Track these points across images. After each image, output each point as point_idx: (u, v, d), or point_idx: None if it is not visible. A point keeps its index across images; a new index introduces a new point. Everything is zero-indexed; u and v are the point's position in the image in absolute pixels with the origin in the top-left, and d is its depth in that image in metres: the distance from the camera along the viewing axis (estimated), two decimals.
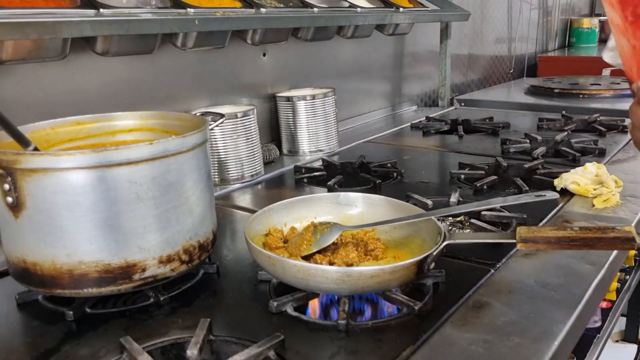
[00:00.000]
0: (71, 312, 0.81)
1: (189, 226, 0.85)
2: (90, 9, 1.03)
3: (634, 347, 2.14)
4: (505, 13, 3.09)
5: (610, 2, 0.73)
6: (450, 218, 1.12)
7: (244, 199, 1.33)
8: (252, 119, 1.41)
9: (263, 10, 1.33)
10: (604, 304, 1.75)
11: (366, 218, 1.01)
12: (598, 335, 1.65)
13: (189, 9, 1.17)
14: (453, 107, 2.37)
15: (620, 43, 0.74)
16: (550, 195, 0.96)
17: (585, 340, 1.58)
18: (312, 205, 1.03)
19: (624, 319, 2.16)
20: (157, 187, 0.80)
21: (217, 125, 1.06)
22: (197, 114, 1.10)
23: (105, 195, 0.76)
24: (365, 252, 0.92)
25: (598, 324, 1.70)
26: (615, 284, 1.38)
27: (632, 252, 1.89)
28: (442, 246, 0.82)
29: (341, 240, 0.95)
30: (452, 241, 0.83)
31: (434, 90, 2.48)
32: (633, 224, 1.07)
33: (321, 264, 0.87)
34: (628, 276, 1.84)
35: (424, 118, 2.08)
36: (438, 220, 0.90)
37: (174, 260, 0.84)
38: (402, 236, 0.97)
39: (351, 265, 0.88)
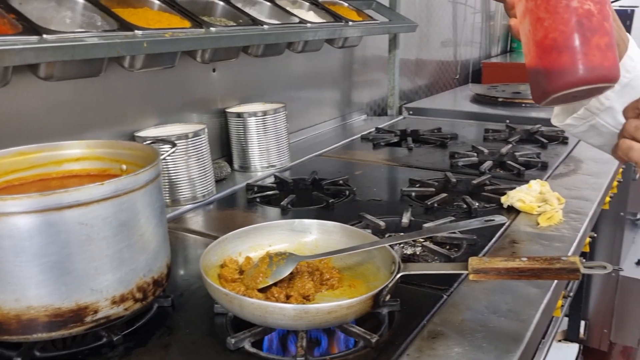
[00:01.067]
0: (19, 358, 0.78)
1: (142, 264, 0.84)
2: (33, 35, 0.99)
3: (576, 346, 2.24)
4: (450, 17, 3.15)
5: None
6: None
7: (197, 222, 1.31)
8: (203, 139, 1.39)
9: (213, 29, 1.32)
10: None
11: (321, 245, 1.02)
12: (543, 339, 1.71)
13: (136, 31, 1.15)
14: (402, 117, 2.41)
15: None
16: (499, 219, 0.99)
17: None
18: (267, 233, 1.03)
19: (567, 319, 2.26)
20: (109, 227, 0.78)
21: (168, 155, 1.04)
22: (148, 143, 1.08)
23: (55, 239, 0.74)
24: (320, 282, 0.93)
25: (543, 329, 1.76)
26: (560, 302, 1.44)
27: (587, 248, 1.97)
28: (396, 278, 0.84)
29: (297, 269, 0.95)
30: (406, 272, 0.85)
31: (383, 98, 2.51)
32: (575, 242, 1.12)
33: (278, 297, 0.87)
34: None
35: (374, 129, 2.11)
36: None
37: (127, 300, 0.82)
38: (357, 263, 0.98)
39: (307, 296, 0.89)
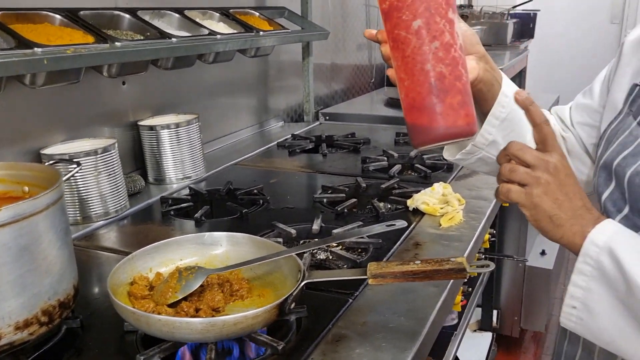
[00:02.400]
0: None
1: (46, 287, 0.83)
2: None
3: (489, 334, 2.37)
4: (364, 20, 3.23)
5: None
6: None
7: (109, 238, 1.30)
8: (114, 154, 1.39)
9: (118, 44, 1.31)
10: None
11: (231, 257, 1.04)
12: (455, 332, 1.81)
13: (36, 49, 1.13)
14: (318, 122, 2.46)
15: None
16: (400, 224, 1.05)
17: (443, 338, 1.72)
18: (177, 247, 1.04)
19: (480, 309, 2.39)
20: (9, 253, 0.77)
21: (72, 175, 1.03)
22: (50, 164, 1.07)
23: None
24: (230, 293, 0.95)
25: (455, 322, 1.86)
26: (459, 298, 1.53)
27: (486, 245, 2.09)
28: (300, 286, 0.87)
29: (207, 282, 0.97)
30: (309, 280, 0.89)
31: (299, 104, 2.55)
32: (472, 242, 1.20)
33: (187, 311, 0.89)
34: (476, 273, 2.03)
35: (290, 136, 2.15)
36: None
37: (32, 324, 0.82)
38: (266, 272, 1.01)
39: (217, 308, 0.91)
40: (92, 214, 1.36)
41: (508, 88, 0.86)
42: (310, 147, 2.01)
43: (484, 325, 2.40)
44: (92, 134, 1.50)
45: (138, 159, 1.68)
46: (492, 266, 0.85)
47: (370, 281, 0.85)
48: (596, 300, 0.72)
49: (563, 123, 1.03)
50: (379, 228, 1.02)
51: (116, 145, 1.40)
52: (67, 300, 0.88)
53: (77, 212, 1.34)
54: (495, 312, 2.41)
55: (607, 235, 0.71)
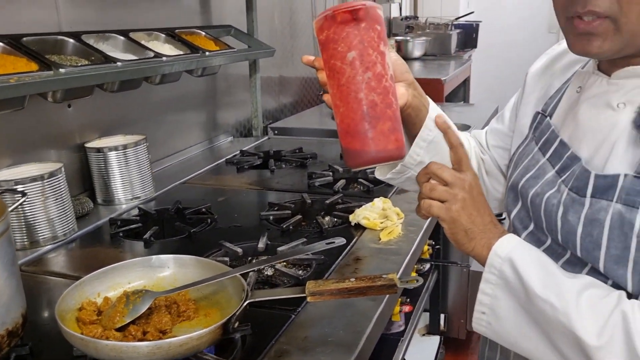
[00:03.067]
0: None
1: None
2: None
3: (437, 337, 2.46)
4: (311, 34, 3.30)
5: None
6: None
7: (58, 263, 1.32)
8: (61, 178, 1.40)
9: (62, 70, 1.33)
10: (406, 309, 1.99)
11: (179, 278, 1.08)
12: (402, 338, 1.89)
13: None
14: (267, 137, 2.51)
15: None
16: (339, 242, 1.12)
17: (390, 345, 1.80)
18: (124, 271, 1.07)
19: (428, 314, 2.48)
20: None
21: (18, 207, 1.06)
22: None
23: None
24: (178, 314, 0.99)
25: (402, 328, 1.94)
26: (397, 308, 1.61)
27: (425, 256, 2.18)
28: (243, 306, 0.92)
29: (155, 304, 1.01)
30: (252, 300, 0.94)
31: (248, 119, 2.59)
32: (409, 255, 1.28)
33: (135, 334, 0.93)
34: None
35: (239, 152, 2.19)
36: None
37: None
38: (212, 292, 1.05)
39: (165, 330, 0.95)
40: (40, 239, 1.37)
41: (434, 112, 0.94)
42: (259, 162, 2.06)
43: (432, 329, 2.49)
44: (38, 158, 1.51)
45: (86, 180, 1.69)
46: (421, 281, 0.92)
47: (309, 299, 0.91)
48: (501, 306, 0.80)
49: (481, 146, 1.12)
50: (319, 246, 1.08)
51: (63, 169, 1.42)
52: (15, 329, 0.90)
53: (25, 237, 1.35)
54: (442, 316, 2.50)
55: (508, 248, 0.79)
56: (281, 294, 0.97)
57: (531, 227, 0.88)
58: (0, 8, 1.41)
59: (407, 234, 1.39)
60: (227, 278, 1.02)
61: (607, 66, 0.82)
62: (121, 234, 1.44)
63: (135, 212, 1.59)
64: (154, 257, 1.10)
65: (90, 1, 1.68)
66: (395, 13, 4.88)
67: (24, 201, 1.29)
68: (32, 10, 1.49)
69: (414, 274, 1.81)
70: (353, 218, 1.44)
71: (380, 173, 1.04)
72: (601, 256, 0.76)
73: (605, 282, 0.77)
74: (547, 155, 0.88)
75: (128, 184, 1.65)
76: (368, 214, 1.43)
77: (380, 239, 1.35)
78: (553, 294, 0.74)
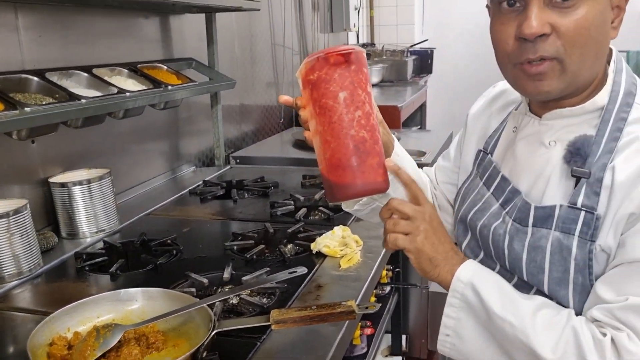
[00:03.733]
0: None
1: None
2: None
3: (399, 358, 2.53)
4: (271, 60, 3.37)
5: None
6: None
7: (24, 298, 1.33)
8: (26, 215, 1.42)
9: (27, 109, 1.36)
10: (368, 331, 2.05)
11: (147, 311, 1.12)
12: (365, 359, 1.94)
13: None
14: (229, 166, 2.56)
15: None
16: (300, 271, 1.18)
17: None
18: (94, 306, 1.11)
19: (390, 335, 2.54)
20: None
21: None
22: None
23: None
24: (147, 346, 1.03)
25: (365, 350, 2.00)
26: (358, 332, 1.67)
27: (385, 280, 2.25)
28: (210, 336, 0.97)
29: (124, 337, 1.04)
30: (219, 329, 0.99)
31: (210, 148, 2.64)
32: (367, 280, 1.34)
33: None
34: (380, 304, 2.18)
35: (202, 182, 2.23)
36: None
37: None
38: (181, 323, 1.09)
39: None
40: (5, 275, 1.39)
41: (399, 149, 1.05)
42: (222, 193, 2.10)
43: (394, 350, 2.55)
44: (2, 194, 1.53)
45: (50, 214, 1.70)
46: (378, 306, 0.99)
47: (273, 327, 0.97)
48: (464, 327, 0.88)
49: (431, 182, 1.21)
50: (282, 275, 1.14)
51: (28, 205, 1.44)
52: None
53: None
54: (404, 336, 2.57)
55: (470, 273, 0.88)
56: (247, 322, 1.02)
57: (481, 255, 0.97)
58: None
59: (366, 260, 1.45)
60: (194, 309, 1.07)
61: (538, 108, 0.92)
62: (87, 268, 1.47)
63: (101, 245, 1.62)
64: (122, 290, 1.14)
65: (53, 39, 1.72)
66: (352, 40, 5.01)
67: None
68: None
69: (373, 299, 1.87)
70: (314, 246, 1.50)
71: (347, 205, 1.12)
72: (545, 279, 0.86)
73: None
74: (491, 189, 0.98)
75: (93, 218, 1.68)
76: (328, 242, 1.49)
77: (340, 266, 1.42)
78: (511, 314, 0.83)
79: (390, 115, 3.39)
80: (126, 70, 1.89)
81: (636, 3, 4.81)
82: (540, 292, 0.88)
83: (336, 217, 1.77)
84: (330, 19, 4.33)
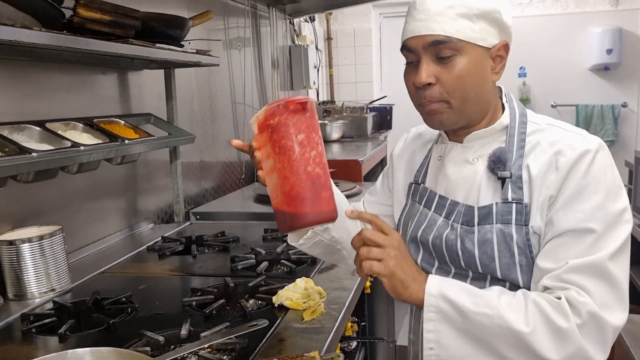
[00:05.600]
0: None
1: None
2: None
3: None
4: (231, 118, 3.37)
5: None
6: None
7: None
8: None
9: None
10: None
11: None
12: None
13: None
14: (189, 222, 2.50)
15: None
16: (262, 323, 1.13)
17: None
18: None
19: None
20: None
21: None
22: None
23: None
24: None
25: None
26: None
27: (351, 333, 2.19)
28: None
29: None
30: None
31: (169, 205, 2.58)
32: (332, 332, 1.30)
33: None
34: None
35: (160, 238, 2.17)
36: None
37: None
38: None
39: None
40: None
41: (336, 190, 1.14)
42: (181, 248, 2.04)
43: None
44: None
45: None
46: (342, 357, 0.94)
47: None
48: (445, 336, 0.98)
49: None
50: (243, 329, 1.10)
51: None
52: None
53: None
54: None
55: (437, 286, 1.00)
56: None
57: (436, 264, 1.14)
58: None
59: (330, 311, 1.41)
60: None
61: (454, 136, 1.15)
62: (34, 330, 1.38)
63: (50, 305, 1.53)
64: (69, 351, 1.07)
65: (4, 92, 1.68)
66: (313, 97, 5.09)
67: None
68: None
69: (338, 351, 1.81)
70: (276, 299, 1.45)
71: (292, 240, 1.20)
72: (497, 266, 1.03)
73: (504, 287, 1.03)
74: (432, 208, 1.16)
75: (43, 277, 1.60)
76: (291, 294, 1.44)
77: (303, 319, 1.37)
78: (483, 306, 0.96)
79: (352, 169, 3.41)
80: (81, 125, 1.85)
81: (583, 61, 5.09)
82: (495, 280, 1.05)
83: (298, 269, 1.73)
84: (290, 76, 4.40)
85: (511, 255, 1.02)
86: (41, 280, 1.60)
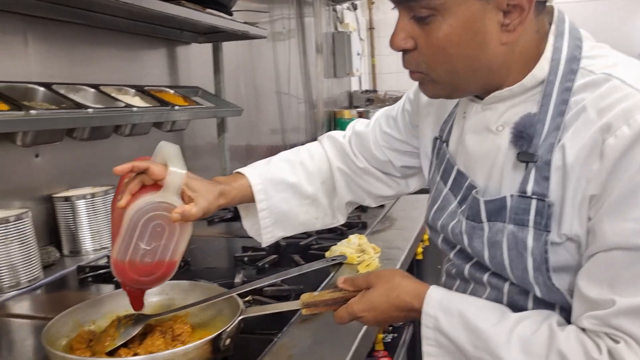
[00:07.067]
0: None
1: None
2: None
3: None
4: (276, 106, 3.39)
5: None
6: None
7: (22, 307, 1.25)
8: (27, 222, 1.36)
9: (33, 112, 1.32)
10: None
11: (177, 304, 1.03)
12: None
13: None
14: None
15: None
16: (340, 258, 1.10)
17: None
18: (120, 300, 1.01)
19: None
20: None
21: None
22: None
23: None
24: (172, 339, 0.94)
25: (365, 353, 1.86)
26: (380, 336, 1.58)
27: None
28: (236, 321, 0.88)
29: (150, 328, 0.95)
30: (245, 315, 0.91)
31: (217, 175, 2.57)
32: None
33: (125, 357, 0.87)
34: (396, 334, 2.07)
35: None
36: None
37: None
38: (210, 318, 1.01)
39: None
40: (2, 285, 1.31)
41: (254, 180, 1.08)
42: (229, 216, 2.04)
43: None
44: (1, 207, 1.47)
45: (52, 233, 1.63)
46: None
47: (303, 311, 0.88)
48: None
49: (347, 152, 1.14)
50: (321, 263, 1.07)
51: (30, 214, 1.38)
52: None
53: None
54: None
55: (434, 317, 0.80)
56: (275, 308, 0.95)
57: (457, 247, 0.89)
58: None
59: (385, 266, 1.38)
60: (224, 302, 0.98)
61: (480, 93, 0.83)
62: (90, 279, 1.39)
63: (104, 261, 1.54)
64: None
65: (59, 56, 1.70)
66: (355, 86, 5.06)
67: None
68: (1, 61, 1.50)
69: (381, 336, 1.76)
70: (329, 254, 1.43)
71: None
72: (509, 275, 0.78)
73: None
74: (448, 185, 0.89)
75: (97, 234, 1.61)
76: (344, 249, 1.42)
77: (358, 272, 1.34)
78: (484, 353, 0.74)
79: None
80: (133, 90, 1.87)
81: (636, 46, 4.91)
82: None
83: (349, 232, 1.70)
84: (333, 63, 4.39)
85: (524, 268, 0.76)
86: (95, 237, 1.61)
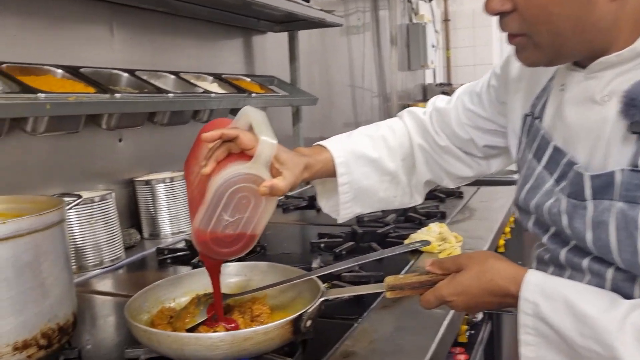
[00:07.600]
0: None
1: (47, 308, 0.81)
2: None
3: None
4: (350, 100, 3.36)
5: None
6: None
7: (105, 284, 1.28)
8: (111, 203, 1.39)
9: (118, 95, 1.35)
10: (462, 357, 1.86)
11: (255, 285, 1.01)
12: None
13: (39, 94, 1.16)
14: (309, 186, 2.49)
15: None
16: (422, 244, 1.05)
17: None
18: (200, 278, 1.01)
19: None
20: (11, 268, 0.76)
21: (75, 205, 1.04)
22: (53, 196, 1.07)
23: None
24: (251, 319, 0.92)
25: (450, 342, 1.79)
26: (464, 327, 1.50)
27: None
28: (317, 303, 0.85)
29: (228, 308, 0.94)
30: (327, 297, 0.87)
31: None
32: None
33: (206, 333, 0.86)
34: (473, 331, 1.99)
35: (283, 196, 2.16)
36: None
37: (30, 346, 0.79)
38: (289, 299, 0.98)
39: None
40: (88, 263, 1.34)
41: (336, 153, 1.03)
42: (304, 204, 2.02)
43: None
44: (87, 188, 1.51)
45: (133, 216, 1.67)
46: None
47: (388, 294, 0.84)
48: None
49: (427, 129, 1.09)
50: (402, 248, 1.02)
51: (113, 194, 1.41)
52: (66, 325, 0.85)
53: (73, 260, 1.32)
54: None
55: (533, 303, 0.72)
56: (357, 290, 0.91)
57: (552, 229, 0.81)
58: (61, 45, 1.45)
59: None
60: (304, 284, 0.96)
61: (583, 59, 0.76)
62: (169, 260, 1.41)
63: (182, 244, 1.56)
64: (230, 264, 1.05)
65: (143, 43, 1.73)
66: (429, 79, 4.96)
67: (75, 217, 1.28)
68: (89, 49, 1.54)
69: (465, 328, 1.69)
70: (408, 242, 1.37)
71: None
72: (616, 258, 0.70)
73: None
74: (543, 163, 0.82)
75: (175, 218, 1.63)
76: (425, 237, 1.36)
77: None
78: (593, 342, 0.67)
79: None
80: (211, 77, 1.89)
81: None
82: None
83: (428, 222, 1.63)
84: (407, 55, 4.30)
85: (633, 251, 0.68)
86: (173, 221, 1.63)
